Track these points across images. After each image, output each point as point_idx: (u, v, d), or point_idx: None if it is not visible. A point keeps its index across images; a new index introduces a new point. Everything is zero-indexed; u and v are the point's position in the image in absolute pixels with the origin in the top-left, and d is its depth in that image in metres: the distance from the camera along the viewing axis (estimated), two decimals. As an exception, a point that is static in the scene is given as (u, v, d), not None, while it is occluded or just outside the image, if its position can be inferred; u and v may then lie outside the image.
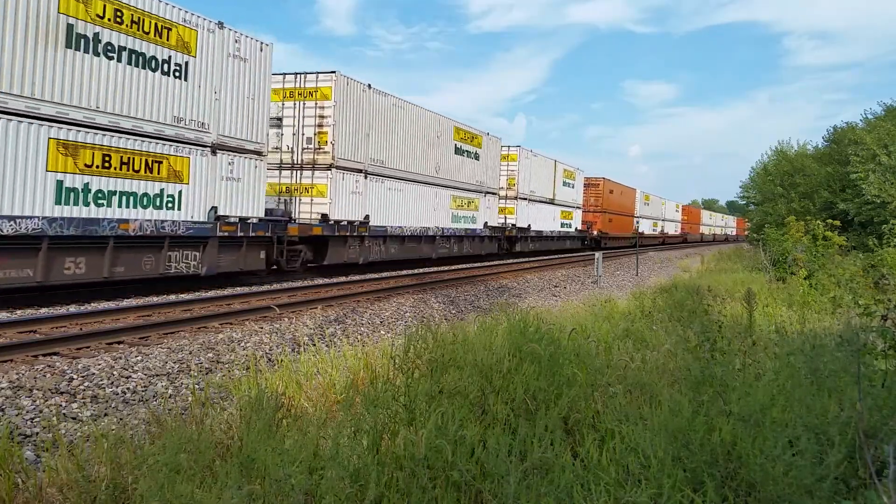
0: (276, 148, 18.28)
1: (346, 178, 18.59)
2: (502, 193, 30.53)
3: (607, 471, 3.10)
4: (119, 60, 11.72)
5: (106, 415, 6.06)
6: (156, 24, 12.38)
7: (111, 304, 11.43)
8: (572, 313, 10.80)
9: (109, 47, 11.51)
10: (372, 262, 20.15)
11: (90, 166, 11.28)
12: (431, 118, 23.42)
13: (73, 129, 10.99)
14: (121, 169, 11.86)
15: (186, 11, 13.01)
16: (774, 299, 11.46)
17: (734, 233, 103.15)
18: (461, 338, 5.39)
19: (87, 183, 11.24)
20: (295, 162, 18.41)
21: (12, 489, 3.72)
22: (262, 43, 15.00)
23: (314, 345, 8.29)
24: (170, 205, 12.88)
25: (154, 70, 12.43)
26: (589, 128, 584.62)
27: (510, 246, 30.96)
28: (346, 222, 18.49)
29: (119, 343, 8.54)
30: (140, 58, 12.13)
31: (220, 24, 13.79)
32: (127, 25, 11.79)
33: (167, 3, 12.57)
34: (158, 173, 12.61)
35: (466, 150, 26.37)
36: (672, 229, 66.82)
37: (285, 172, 18.58)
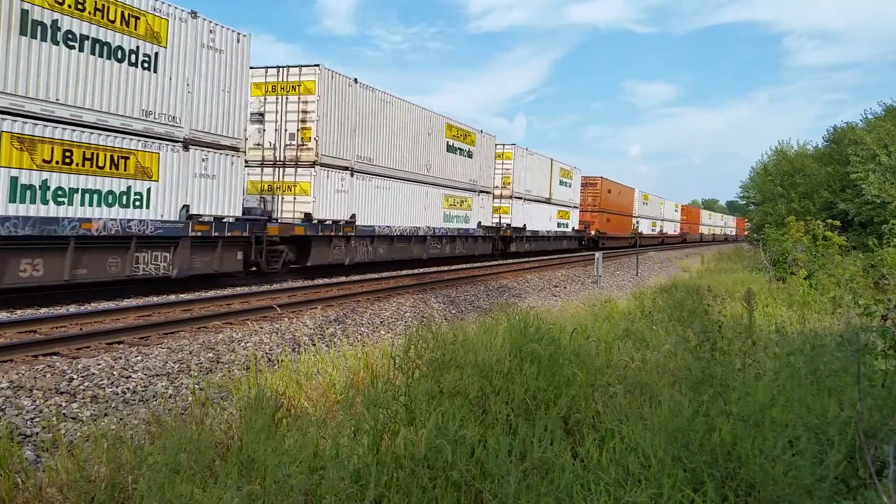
0: (258, 144, 17.73)
1: (331, 175, 18.01)
2: (497, 192, 30.07)
3: (607, 471, 3.10)
4: (81, 50, 11.03)
5: (106, 415, 6.06)
6: (122, 13, 11.70)
7: (111, 304, 11.43)
8: (572, 313, 10.81)
9: (70, 36, 10.86)
10: (359, 263, 19.56)
11: (49, 162, 10.64)
12: (422, 115, 22.81)
13: (29, 123, 10.37)
14: (83, 165, 11.19)
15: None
16: (774, 299, 11.46)
17: (734, 233, 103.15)
18: (461, 338, 5.39)
19: (46, 180, 10.62)
20: (277, 159, 17.77)
21: (12, 489, 3.72)
22: (238, 33, 14.40)
23: (314, 345, 8.30)
24: (137, 203, 12.20)
25: (120, 61, 11.74)
26: (589, 128, 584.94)
27: (505, 246, 30.47)
28: (330, 222, 17.89)
29: (119, 343, 8.54)
30: (105, 47, 11.44)
31: (194, 14, 13.21)
32: (90, 13, 11.13)
33: (135, -9, 11.99)
34: (125, 170, 11.94)
35: (459, 148, 25.70)
36: (671, 229, 66.64)
37: (267, 170, 17.92)
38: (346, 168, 18.62)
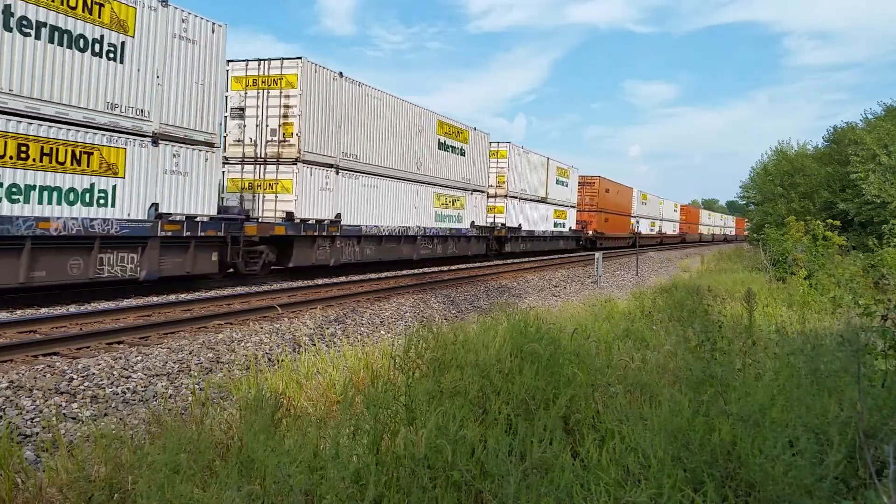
0: (239, 141, 17.14)
1: (315, 173, 17.33)
2: (491, 192, 29.51)
3: (607, 471, 3.10)
4: (38, 38, 10.39)
5: (106, 415, 6.06)
6: (84, 0, 11.03)
7: (111, 304, 11.43)
8: (572, 313, 10.81)
9: (25, 22, 10.23)
10: (345, 264, 18.88)
11: (2, 157, 10.06)
12: (412, 111, 22.13)
13: None
14: (41, 160, 10.56)
15: None
16: (774, 299, 11.46)
17: (733, 233, 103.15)
18: (462, 338, 5.39)
19: (-3, 176, 9.94)
20: (258, 156, 17.07)
21: (12, 489, 3.72)
22: (213, 24, 13.73)
23: (314, 345, 8.30)
24: (102, 201, 11.55)
25: (82, 50, 11.06)
26: (589, 128, 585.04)
27: (500, 247, 29.83)
28: (314, 221, 17.18)
29: (119, 343, 8.54)
30: (65, 36, 10.78)
31: (164, 2, 12.54)
32: (48, -1, 10.41)
33: (97, -25, 11.17)
34: (88, 166, 11.27)
35: (451, 146, 25.01)
36: (670, 229, 66.45)
37: (248, 167, 17.24)
38: (330, 165, 17.99)
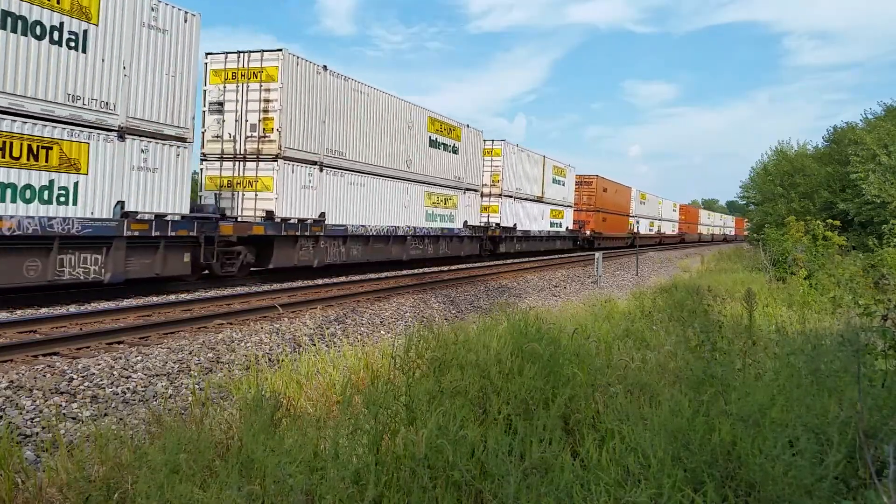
0: (217, 137, 16.44)
1: (297, 170, 16.63)
2: (485, 191, 28.88)
3: (607, 471, 3.10)
4: None
5: (106, 415, 6.06)
6: None
7: (111, 304, 11.43)
8: (572, 313, 10.81)
9: None
10: (330, 265, 18.13)
11: None
12: (401, 106, 21.42)
13: None
14: None
15: None
16: (774, 299, 11.46)
17: (733, 233, 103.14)
18: (462, 338, 5.39)
19: (-55, 172, 9.34)
20: (238, 152, 16.32)
21: (12, 489, 3.72)
22: (186, 13, 13.02)
23: (314, 345, 8.30)
24: (62, 199, 10.90)
25: (39, 38, 10.45)
26: (589, 128, 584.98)
27: (494, 247, 29.17)
28: (296, 220, 16.48)
29: (119, 343, 8.54)
30: (19, 22, 10.16)
31: None
32: (-1, -17, 9.73)
33: (54, -43, 10.44)
34: (47, 161, 10.62)
35: (443, 143, 24.23)
36: (669, 229, 66.27)
37: (227, 164, 16.47)
38: (314, 162, 17.25)
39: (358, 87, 19.07)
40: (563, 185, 38.01)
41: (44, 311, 10.37)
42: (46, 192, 10.74)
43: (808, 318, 8.83)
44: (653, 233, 58.61)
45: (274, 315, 11.17)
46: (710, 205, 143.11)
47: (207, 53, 16.57)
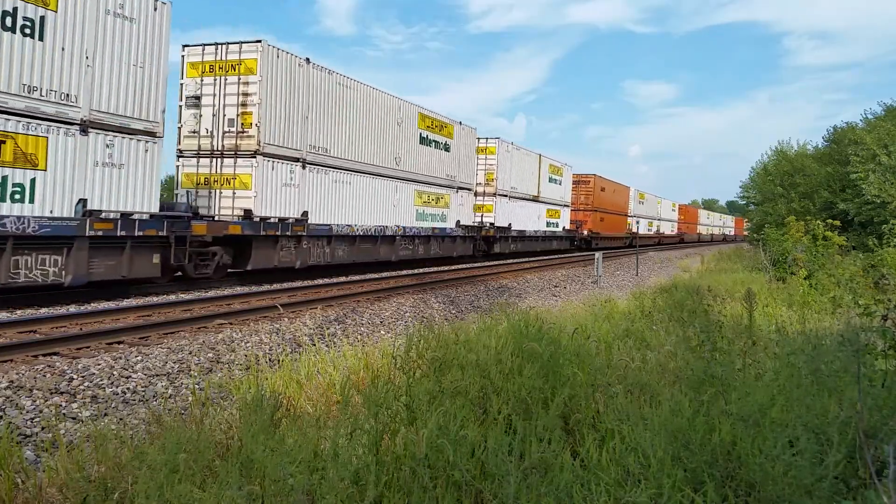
0: (194, 132, 15.76)
1: (278, 167, 15.94)
2: (479, 190, 28.27)
3: (607, 470, 3.10)
4: None
5: (106, 415, 6.06)
6: None
7: (111, 304, 11.43)
8: (572, 313, 10.81)
9: None
10: (314, 266, 17.41)
11: None
12: (390, 102, 20.76)
13: None
14: None
15: None
16: (774, 299, 11.47)
17: (732, 233, 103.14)
18: (463, 338, 5.39)
19: None
20: (215, 148, 15.57)
21: (12, 489, 3.72)
22: (156, 0, 12.36)
23: (314, 345, 8.30)
24: (17, 196, 10.24)
25: None
26: (589, 128, 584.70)
27: (488, 247, 28.48)
28: (276, 220, 15.78)
29: (119, 343, 8.54)
30: None
31: None
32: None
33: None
34: (0, 156, 10.08)
35: (434, 141, 23.56)
36: (668, 229, 66.05)
37: (204, 161, 15.71)
38: (296, 159, 16.58)
39: (343, 82, 18.40)
40: (560, 184, 37.42)
41: (44, 311, 10.37)
42: (-1, 190, 10.12)
43: (808, 318, 8.84)
44: (651, 233, 58.38)
45: (274, 315, 11.17)
46: (710, 205, 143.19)
47: (184, 46, 15.99)
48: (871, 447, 3.08)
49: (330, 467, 3.13)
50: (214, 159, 15.68)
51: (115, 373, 7.19)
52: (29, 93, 10.44)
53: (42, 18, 10.50)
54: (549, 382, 4.36)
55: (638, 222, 52.13)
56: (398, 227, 21.18)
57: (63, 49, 10.81)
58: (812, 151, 33.60)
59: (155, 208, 12.54)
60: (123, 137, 11.88)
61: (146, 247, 12.42)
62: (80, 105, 11.15)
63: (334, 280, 17.03)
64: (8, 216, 10.07)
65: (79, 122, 11.16)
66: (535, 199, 33.53)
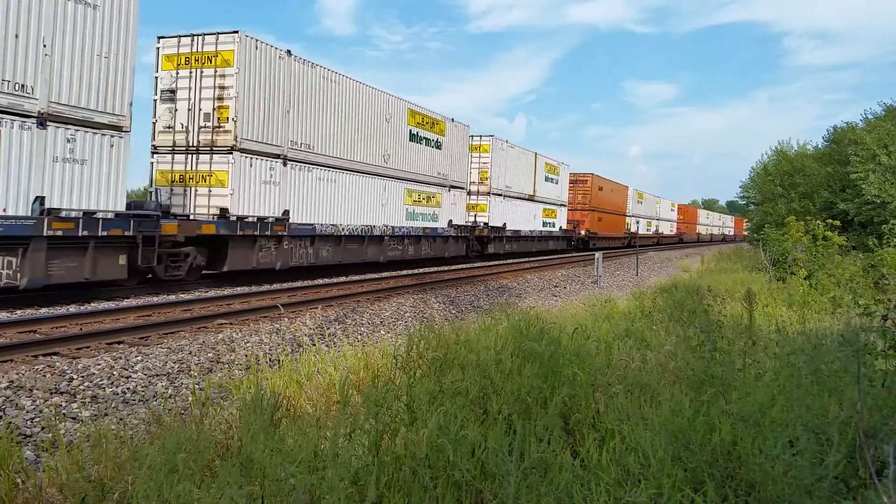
0: (169, 127, 15.10)
1: (256, 163, 15.25)
2: (473, 189, 27.64)
3: (607, 470, 3.10)
4: None
5: (106, 415, 6.06)
6: None
7: (111, 304, 11.43)
8: (572, 313, 10.81)
9: None
10: (296, 268, 16.74)
11: None
12: (378, 97, 20.06)
13: None
14: None
15: None
16: (774, 299, 11.47)
17: (732, 233, 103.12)
18: (463, 338, 5.39)
19: None
20: (190, 144, 14.89)
21: (12, 489, 3.72)
22: None
23: (314, 345, 8.30)
24: None
25: None
26: (589, 128, 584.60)
27: (482, 247, 27.85)
28: (254, 219, 15.09)
29: (119, 343, 8.54)
30: None
31: None
32: None
33: None
34: None
35: (425, 138, 22.90)
36: (667, 229, 65.82)
37: (179, 157, 15.05)
38: (276, 156, 15.88)
39: (327, 76, 17.73)
40: (557, 183, 36.81)
41: (44, 311, 10.37)
42: (-56, 187, 9.34)
43: (808, 318, 8.84)
44: (650, 233, 58.13)
45: (274, 315, 11.17)
46: (710, 205, 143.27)
47: (160, 37, 15.46)
48: (871, 447, 3.08)
49: (330, 467, 3.13)
50: (190, 156, 15.03)
51: (115, 373, 7.19)
52: None
53: None
54: (549, 382, 4.37)
55: (637, 222, 52.03)
56: (386, 226, 20.59)
57: (17, 36, 10.16)
58: (812, 151, 33.63)
59: (121, 207, 11.88)
60: (86, 131, 11.22)
61: (111, 247, 11.75)
62: (37, 97, 10.49)
63: (334, 280, 17.02)
64: None
65: (36, 114, 10.51)
66: (531, 199, 32.99)
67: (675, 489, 2.84)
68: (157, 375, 7.38)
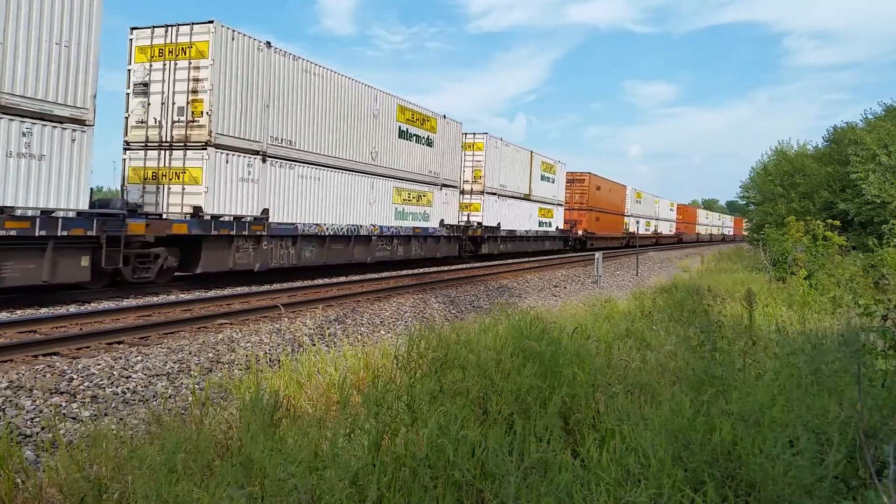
0: (142, 122, 14.49)
1: (233, 160, 14.58)
2: (466, 187, 26.92)
3: (607, 470, 3.10)
4: None
5: (106, 415, 6.06)
6: None
7: (111, 304, 11.43)
8: (573, 313, 10.82)
9: None
10: (277, 269, 16.11)
11: None
12: (365, 92, 19.43)
13: None
14: None
15: None
16: (774, 299, 11.47)
17: (731, 233, 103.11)
18: (464, 338, 5.39)
19: None
20: (164, 139, 14.29)
21: (12, 489, 3.72)
22: None
23: (314, 345, 8.30)
24: None
25: None
26: (589, 128, 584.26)
27: (475, 248, 27.22)
28: (230, 218, 14.41)
29: (119, 343, 8.54)
30: None
31: None
32: None
33: None
34: None
35: (415, 135, 22.26)
36: (666, 229, 65.61)
37: (152, 153, 14.44)
38: (255, 152, 15.20)
39: (311, 69, 17.03)
40: (553, 182, 36.17)
41: (44, 311, 10.37)
42: None
43: (808, 318, 8.84)
44: (649, 233, 57.84)
45: (274, 315, 11.17)
46: (709, 205, 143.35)
47: (133, 28, 14.97)
48: (871, 447, 3.08)
49: (330, 467, 3.13)
50: (163, 152, 14.39)
51: (115, 373, 7.19)
52: None
53: None
54: (549, 382, 4.37)
55: (637, 222, 51.94)
56: (374, 226, 19.90)
57: None
58: (812, 151, 33.62)
59: (84, 205, 11.16)
60: (45, 125, 10.49)
61: (73, 248, 11.06)
62: None
63: (334, 280, 17.02)
64: None
65: None
66: (527, 198, 32.37)
67: (676, 489, 2.84)
68: (157, 375, 7.38)
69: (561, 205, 37.82)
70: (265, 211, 15.48)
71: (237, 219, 14.69)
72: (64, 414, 5.93)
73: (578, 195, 40.84)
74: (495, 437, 3.31)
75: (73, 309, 10.72)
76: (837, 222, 15.42)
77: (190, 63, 14.17)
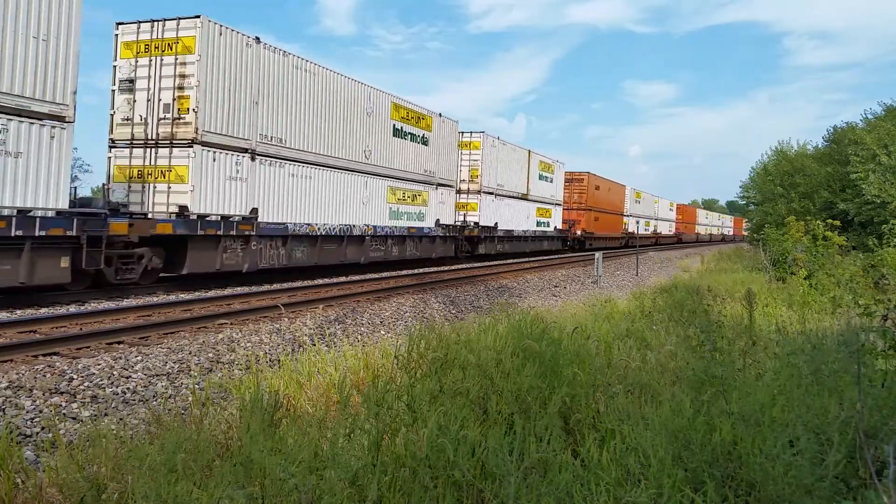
0: (128, 120, 14.26)
1: (220, 158, 14.29)
2: (463, 187, 26.70)
3: (607, 470, 3.10)
4: None
5: (106, 415, 6.06)
6: None
7: (111, 304, 11.43)
8: (573, 313, 10.82)
9: None
10: (266, 270, 15.77)
11: None
12: (358, 89, 19.10)
13: None
14: None
15: None
16: (774, 299, 11.47)
17: (731, 233, 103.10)
18: (464, 338, 5.39)
19: None
20: (149, 137, 14.01)
21: (12, 489, 3.72)
22: None
23: (314, 345, 8.30)
24: None
25: None
26: (589, 128, 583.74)
27: (472, 248, 26.96)
28: (217, 217, 14.08)
29: (119, 343, 8.54)
30: None
31: None
32: None
33: None
34: None
35: (410, 133, 21.98)
36: (666, 229, 65.50)
37: (137, 151, 14.17)
38: (243, 150, 14.88)
39: (302, 65, 16.69)
40: (551, 181, 35.93)
41: (44, 311, 10.37)
42: None
43: (808, 318, 8.84)
44: (649, 233, 57.72)
45: (274, 315, 11.17)
46: (710, 205, 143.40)
47: (118, 23, 14.66)
48: (871, 447, 3.08)
49: (330, 467, 3.13)
50: (148, 149, 14.11)
51: (115, 373, 7.18)
52: None
53: None
54: (549, 382, 4.37)
55: (637, 222, 51.87)
56: (368, 226, 19.53)
57: None
58: (812, 151, 33.63)
59: (63, 204, 10.84)
60: (21, 121, 10.18)
61: (51, 248, 10.72)
62: None
63: (334, 280, 17.02)
64: None
65: None
66: (524, 198, 32.05)
67: (676, 489, 2.84)
68: (157, 375, 7.38)
69: (559, 204, 37.61)
70: (254, 210, 15.19)
71: (225, 218, 14.37)
72: (64, 414, 5.93)
73: (577, 195, 40.63)
74: (495, 437, 3.31)
75: (73, 309, 10.72)
76: (837, 222, 15.43)
77: (176, 59, 13.91)
